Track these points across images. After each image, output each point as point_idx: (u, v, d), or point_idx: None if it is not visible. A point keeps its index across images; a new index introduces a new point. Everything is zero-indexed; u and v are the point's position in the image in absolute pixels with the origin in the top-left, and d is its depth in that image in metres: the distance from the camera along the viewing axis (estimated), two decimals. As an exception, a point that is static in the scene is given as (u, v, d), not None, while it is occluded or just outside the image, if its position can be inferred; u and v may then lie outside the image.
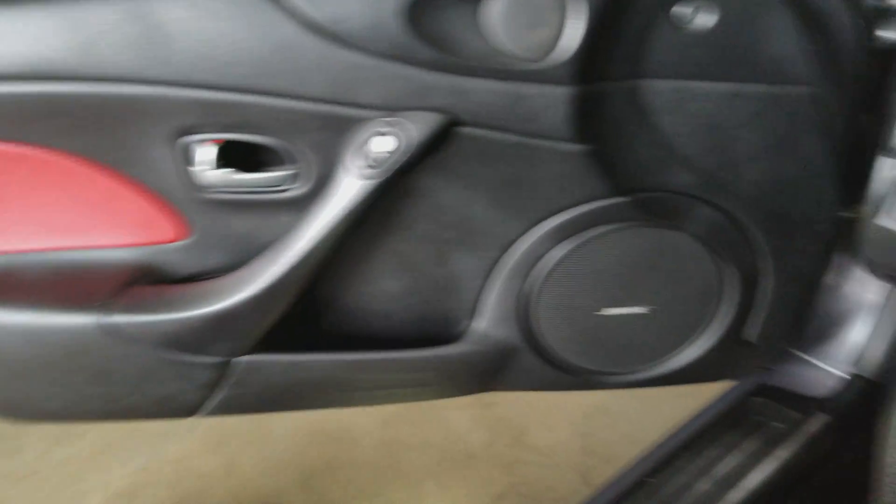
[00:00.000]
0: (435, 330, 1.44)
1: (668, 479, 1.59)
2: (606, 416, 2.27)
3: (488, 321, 1.43)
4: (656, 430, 1.71)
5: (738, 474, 1.59)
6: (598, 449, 2.12)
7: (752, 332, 1.51)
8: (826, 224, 1.36)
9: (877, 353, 1.66)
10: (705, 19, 1.13)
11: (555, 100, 1.14)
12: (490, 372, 1.49)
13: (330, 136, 1.06)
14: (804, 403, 1.67)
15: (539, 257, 1.36)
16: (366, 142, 1.09)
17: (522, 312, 1.42)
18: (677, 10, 1.13)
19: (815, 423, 1.61)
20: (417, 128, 1.07)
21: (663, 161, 1.27)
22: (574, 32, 1.09)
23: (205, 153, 1.01)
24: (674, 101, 1.20)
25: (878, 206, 1.24)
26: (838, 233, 1.40)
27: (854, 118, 1.24)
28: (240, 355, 1.14)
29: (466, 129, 1.16)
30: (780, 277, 1.42)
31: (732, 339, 1.52)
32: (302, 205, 1.11)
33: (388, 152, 1.09)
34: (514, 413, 2.25)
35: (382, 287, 1.34)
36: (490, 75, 1.11)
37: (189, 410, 1.18)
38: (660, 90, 1.19)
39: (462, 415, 2.23)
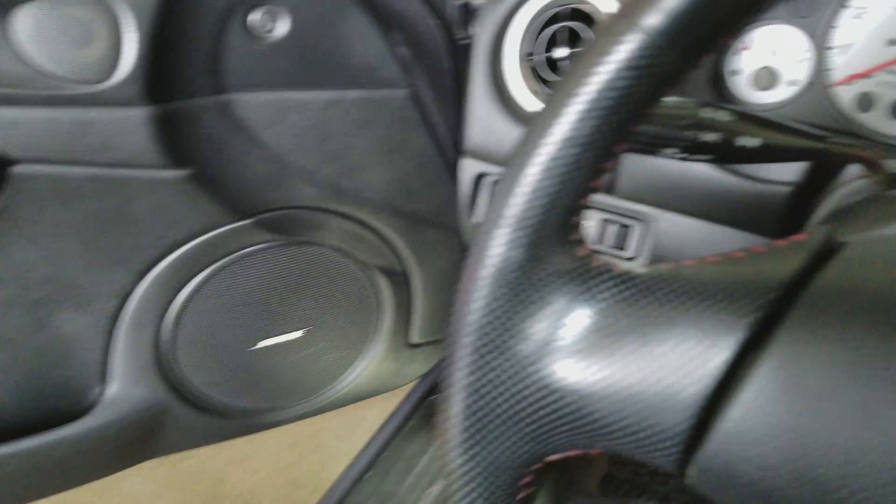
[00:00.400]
0: (58, 406, 1.22)
1: (378, 480, 1.56)
2: (314, 438, 2.19)
3: (122, 382, 1.24)
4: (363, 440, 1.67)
5: (435, 468, 1.61)
6: (305, 480, 2.04)
7: (416, 334, 1.53)
8: (454, 217, 1.42)
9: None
10: (279, 27, 1.09)
11: (129, 124, 1.00)
12: (138, 439, 1.30)
13: None
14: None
15: (167, 300, 1.21)
16: None
17: (162, 363, 1.25)
18: (252, 18, 1.06)
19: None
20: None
21: (280, 177, 1.21)
22: (131, 48, 0.97)
23: None
24: (272, 113, 1.14)
25: (469, 206, 1.32)
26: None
27: (451, 115, 1.31)
28: None
29: (23, 168, 0.97)
30: (426, 276, 1.45)
31: (401, 345, 1.52)
32: None
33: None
34: (208, 463, 2.05)
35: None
36: (39, 103, 0.94)
37: None
38: (254, 104, 1.12)
39: (145, 478, 1.98)
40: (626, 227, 1.02)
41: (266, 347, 1.35)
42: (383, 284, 1.43)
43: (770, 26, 1.00)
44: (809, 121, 1.01)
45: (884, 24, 0.93)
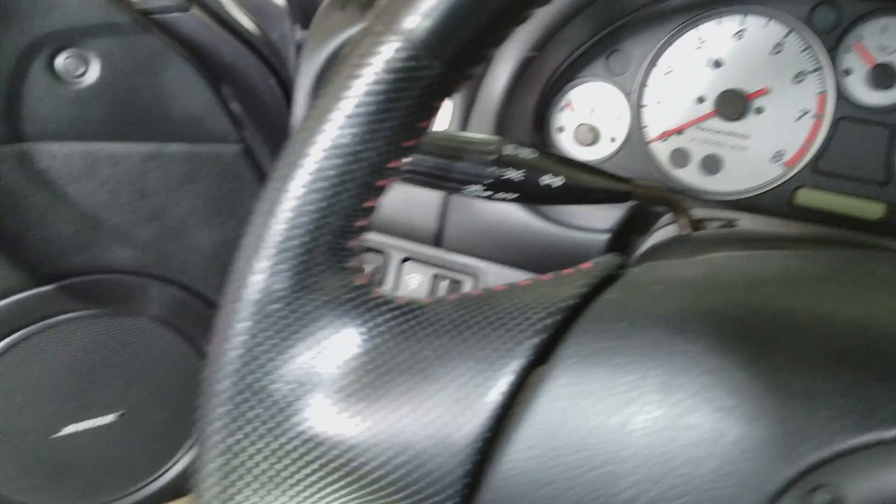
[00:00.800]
0: None
1: None
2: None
3: None
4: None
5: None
6: None
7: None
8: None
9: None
10: (90, 73, 1.01)
11: None
12: None
13: None
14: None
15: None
16: None
17: (-62, 457, 1.06)
18: (59, 61, 0.98)
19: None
20: None
21: (90, 237, 1.09)
22: None
23: None
24: (81, 165, 1.04)
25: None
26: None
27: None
28: None
29: None
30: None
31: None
32: None
33: None
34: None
35: None
36: None
37: None
38: (59, 154, 1.02)
39: None
40: (457, 282, 1.00)
41: (73, 434, 1.18)
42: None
43: (588, 84, 1.04)
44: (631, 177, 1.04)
45: (691, 82, 0.99)
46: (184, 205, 1.16)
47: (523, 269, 0.96)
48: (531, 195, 0.68)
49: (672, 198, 0.76)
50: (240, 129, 1.18)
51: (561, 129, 1.06)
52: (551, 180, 0.68)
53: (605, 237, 0.88)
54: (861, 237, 0.72)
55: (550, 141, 1.05)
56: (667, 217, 0.85)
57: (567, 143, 1.06)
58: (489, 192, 0.67)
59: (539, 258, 0.91)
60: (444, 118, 0.93)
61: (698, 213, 0.83)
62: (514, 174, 0.65)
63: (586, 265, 0.39)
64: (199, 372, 1.13)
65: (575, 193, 0.70)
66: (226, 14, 1.19)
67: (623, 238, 0.90)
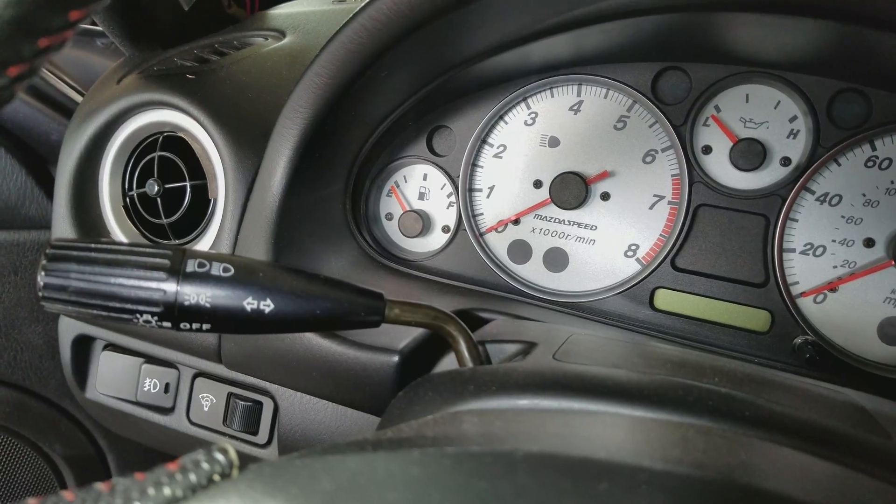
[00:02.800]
0: None
1: None
2: None
3: None
4: None
5: None
6: None
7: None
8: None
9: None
10: None
11: None
12: None
13: None
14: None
15: None
16: None
17: None
18: None
19: None
20: None
21: None
22: None
23: None
24: None
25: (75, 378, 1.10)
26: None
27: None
28: None
29: None
30: (125, 458, 1.21)
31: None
32: None
33: None
34: None
35: None
36: None
37: None
38: None
39: None
40: (258, 403, 0.83)
41: None
42: (68, 472, 1.17)
43: (415, 166, 0.89)
44: (465, 272, 0.88)
45: (526, 163, 0.84)
46: (6, 298, 1.05)
47: (315, 395, 0.79)
48: (232, 324, 0.53)
49: (438, 319, 0.58)
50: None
51: (389, 217, 0.91)
52: (258, 304, 0.52)
53: (394, 359, 0.71)
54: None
55: (374, 233, 0.90)
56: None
57: (395, 233, 0.91)
58: (167, 323, 0.52)
59: (328, 381, 0.75)
60: (214, 226, 0.77)
61: (487, 331, 0.67)
62: (198, 298, 0.51)
63: (172, 466, 0.32)
64: (49, 483, 0.95)
65: (297, 319, 0.54)
66: (49, 89, 1.10)
67: (424, 357, 0.74)
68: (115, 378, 0.88)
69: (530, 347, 0.59)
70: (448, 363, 0.66)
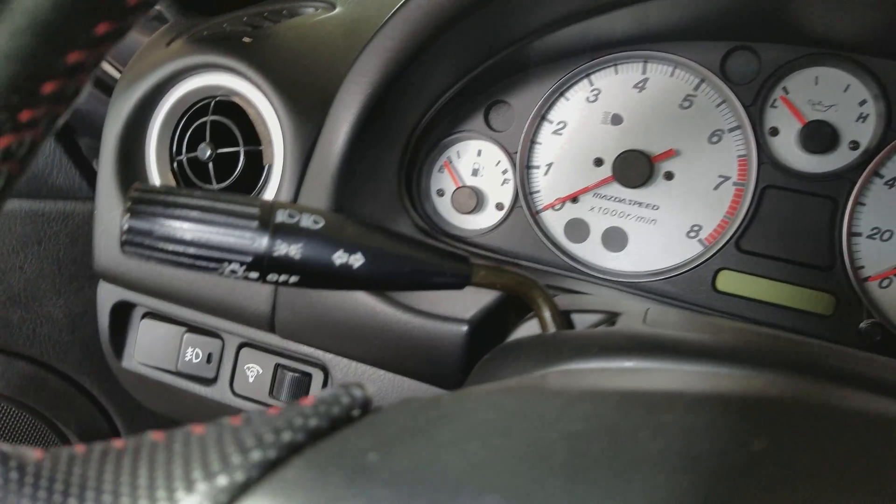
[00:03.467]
0: None
1: None
2: None
3: None
4: None
5: None
6: None
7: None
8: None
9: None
10: None
11: None
12: None
13: None
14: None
15: None
16: None
17: None
18: None
19: None
20: None
21: None
22: None
23: None
24: None
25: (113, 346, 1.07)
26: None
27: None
28: None
29: None
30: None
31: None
32: None
33: None
34: None
35: None
36: None
37: None
38: None
39: None
40: (306, 375, 0.82)
41: None
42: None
43: (468, 142, 0.88)
44: (520, 251, 0.87)
45: (587, 141, 0.83)
46: (29, 270, 1.02)
47: (375, 364, 0.78)
48: (320, 278, 0.51)
49: (523, 284, 0.58)
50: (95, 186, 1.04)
51: (440, 193, 0.90)
52: (348, 259, 0.51)
53: (463, 328, 0.70)
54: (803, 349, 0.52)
55: (426, 208, 0.89)
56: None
57: (447, 209, 0.90)
58: (254, 274, 0.50)
59: (389, 350, 0.73)
60: (269, 192, 0.76)
61: (566, 301, 0.65)
62: (288, 249, 0.49)
63: (306, 401, 0.32)
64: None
65: (385, 276, 0.53)
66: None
67: (491, 328, 0.72)
68: (156, 347, 0.86)
69: (613, 317, 0.58)
70: (519, 335, 0.65)
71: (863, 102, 0.74)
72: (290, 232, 0.48)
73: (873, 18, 0.69)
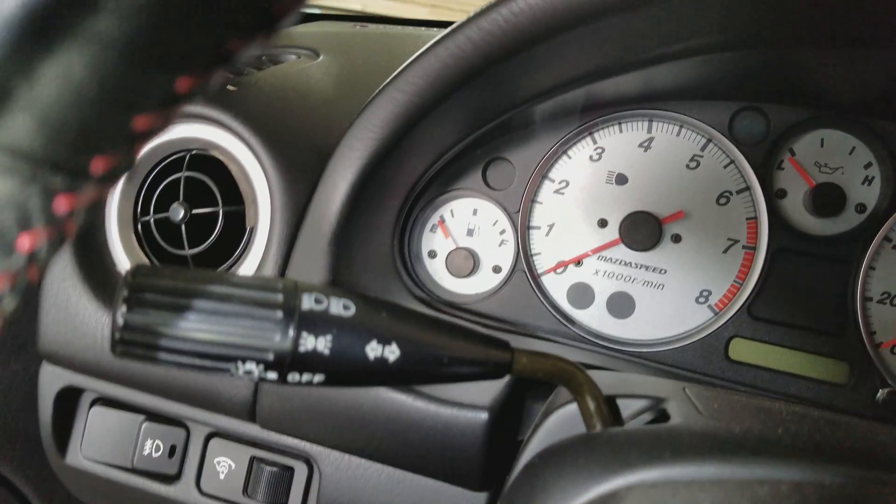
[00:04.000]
0: None
1: None
2: None
3: None
4: None
5: None
6: None
7: None
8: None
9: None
10: None
11: None
12: None
13: None
14: None
15: None
16: None
17: None
18: None
19: None
20: None
21: None
22: None
23: None
24: None
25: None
26: None
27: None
28: None
29: None
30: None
31: None
32: None
33: None
34: None
35: None
36: None
37: None
38: None
39: None
40: (288, 469, 0.71)
41: None
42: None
43: (463, 199, 0.83)
44: (522, 319, 0.82)
45: (590, 201, 0.79)
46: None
47: (374, 458, 0.68)
48: (351, 375, 0.43)
49: (567, 371, 0.51)
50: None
51: (433, 255, 0.83)
52: (383, 351, 0.43)
53: (483, 416, 0.62)
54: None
55: (418, 272, 0.82)
56: (565, 393, 0.60)
57: (439, 273, 0.83)
58: (273, 374, 0.41)
59: (395, 442, 0.64)
60: (252, 258, 0.67)
61: (606, 381, 0.59)
62: (316, 343, 0.41)
63: None
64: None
65: (422, 369, 0.45)
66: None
67: (509, 414, 0.66)
68: (107, 439, 0.74)
69: (658, 402, 0.53)
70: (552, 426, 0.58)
71: (868, 165, 0.74)
72: (318, 322, 0.40)
73: (881, 81, 0.69)
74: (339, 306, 0.42)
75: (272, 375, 0.40)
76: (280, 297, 0.40)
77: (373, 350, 0.42)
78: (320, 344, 0.40)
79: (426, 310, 0.79)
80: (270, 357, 0.39)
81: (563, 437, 0.50)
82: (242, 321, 0.39)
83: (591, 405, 0.51)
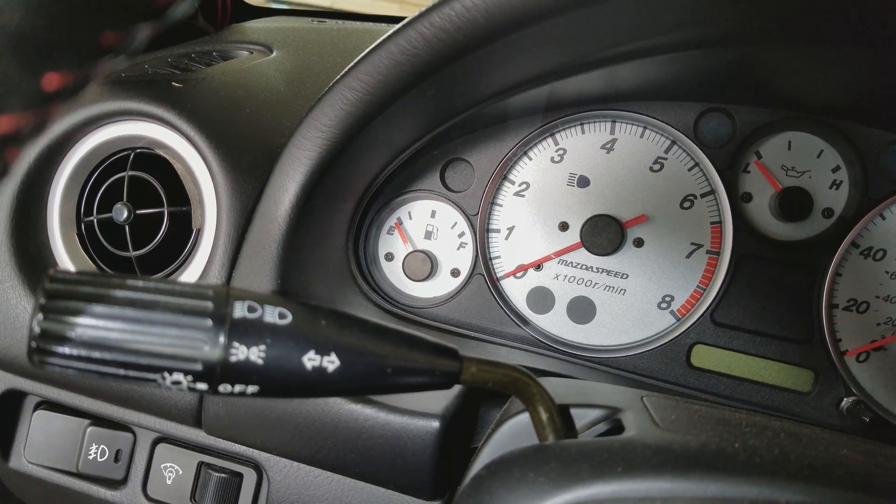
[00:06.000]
0: None
1: None
2: None
3: None
4: None
5: None
6: None
7: None
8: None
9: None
10: None
11: None
12: None
13: None
14: None
15: None
16: None
17: None
18: None
19: None
20: None
21: None
22: None
23: None
24: None
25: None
26: None
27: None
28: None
29: None
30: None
31: None
32: None
33: None
34: None
35: None
36: None
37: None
38: None
39: None
40: (237, 476, 0.70)
41: None
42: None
43: (423, 201, 0.81)
44: (478, 322, 0.80)
45: (552, 203, 0.77)
46: None
47: (323, 466, 0.67)
48: (286, 387, 0.41)
49: (519, 381, 0.49)
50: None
51: (389, 258, 0.82)
52: (321, 361, 0.41)
53: (434, 424, 0.60)
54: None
55: (373, 275, 0.81)
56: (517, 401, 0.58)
57: (396, 276, 0.81)
58: (202, 385, 0.39)
59: (344, 451, 0.63)
60: (198, 260, 0.65)
61: (561, 389, 0.57)
62: (248, 353, 0.39)
63: None
64: None
65: (363, 380, 0.43)
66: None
67: (461, 420, 0.64)
68: (52, 443, 0.72)
69: (613, 413, 0.51)
70: (505, 435, 0.56)
71: (836, 169, 0.72)
72: (250, 330, 0.38)
73: (850, 83, 0.67)
74: (273, 314, 0.40)
75: (202, 386, 0.38)
76: (210, 305, 0.38)
77: (310, 360, 0.40)
78: (253, 354, 0.38)
79: (381, 315, 0.77)
80: (199, 367, 0.37)
81: (514, 447, 0.49)
82: (168, 330, 0.37)
83: (544, 416, 0.49)
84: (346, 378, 0.41)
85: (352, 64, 0.59)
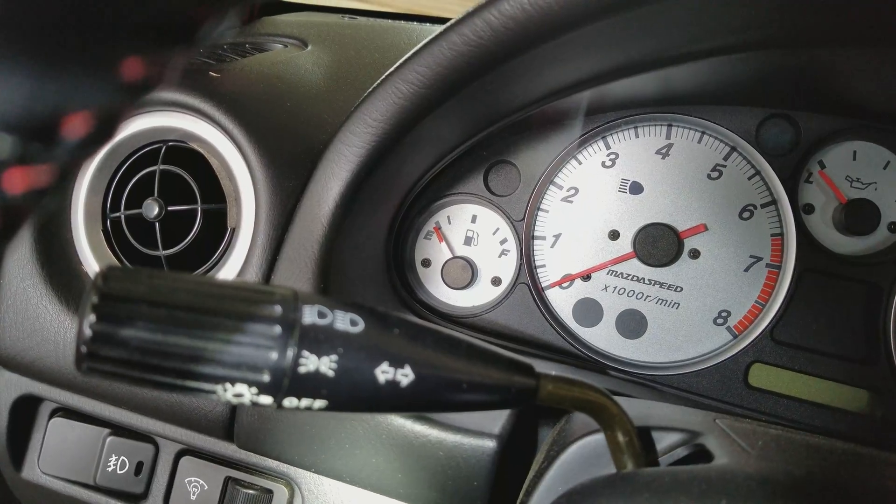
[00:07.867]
0: None
1: None
2: None
3: None
4: None
5: None
6: None
7: None
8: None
9: None
10: None
11: None
12: None
13: None
14: None
15: None
16: None
17: None
18: None
19: None
20: None
21: None
22: None
23: None
24: None
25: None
26: None
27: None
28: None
29: None
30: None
31: None
32: None
33: None
34: None
35: None
36: None
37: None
38: None
39: None
40: (267, 492, 0.66)
41: None
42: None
43: (464, 205, 0.77)
44: (524, 334, 0.77)
45: (602, 210, 0.74)
46: None
47: (365, 486, 0.62)
48: (357, 401, 0.36)
49: (597, 402, 0.45)
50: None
51: (426, 264, 0.78)
52: (395, 374, 0.37)
53: (491, 445, 0.56)
54: None
55: (410, 282, 0.77)
56: (581, 419, 0.54)
57: (433, 283, 0.78)
58: (267, 398, 0.35)
59: (391, 470, 0.59)
60: (233, 261, 0.62)
61: (632, 409, 0.52)
62: (319, 363, 0.35)
63: None
64: None
65: (437, 396, 0.39)
66: None
67: (516, 446, 0.60)
68: (68, 453, 0.68)
69: (694, 437, 0.48)
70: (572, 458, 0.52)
71: (904, 181, 0.69)
72: (321, 338, 0.34)
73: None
74: (345, 321, 0.36)
75: (266, 400, 0.34)
76: (278, 309, 0.34)
77: (384, 373, 0.36)
78: (324, 364, 0.35)
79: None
80: (266, 379, 0.34)
81: (584, 472, 0.45)
82: (234, 336, 0.33)
83: (622, 439, 0.45)
84: (419, 393, 0.38)
85: (408, 55, 0.55)
